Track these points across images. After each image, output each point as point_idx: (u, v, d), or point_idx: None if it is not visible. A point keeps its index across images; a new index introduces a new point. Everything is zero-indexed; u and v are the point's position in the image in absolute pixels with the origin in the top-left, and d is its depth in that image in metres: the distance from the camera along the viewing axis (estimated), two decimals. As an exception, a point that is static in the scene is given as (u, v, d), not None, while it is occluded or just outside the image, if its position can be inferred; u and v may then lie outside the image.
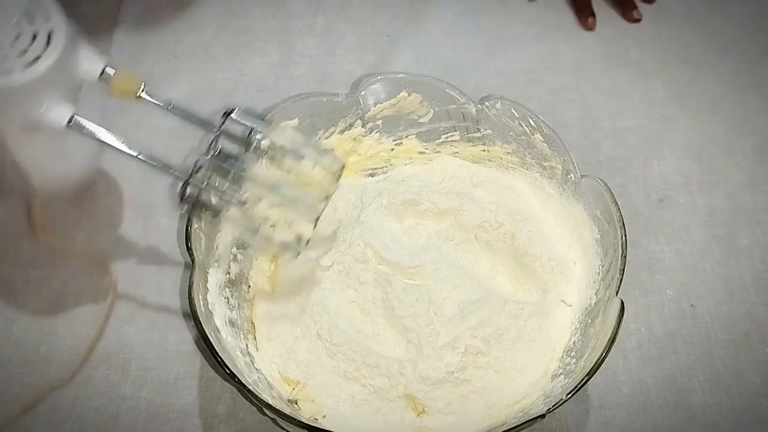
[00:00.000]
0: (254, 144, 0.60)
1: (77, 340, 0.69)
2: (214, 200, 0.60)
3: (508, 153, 0.74)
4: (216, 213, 0.61)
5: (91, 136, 0.58)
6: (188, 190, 0.59)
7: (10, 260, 0.73)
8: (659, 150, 0.80)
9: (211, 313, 0.64)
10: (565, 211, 0.71)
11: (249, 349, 0.66)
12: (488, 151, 0.75)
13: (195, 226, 0.65)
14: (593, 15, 0.88)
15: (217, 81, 0.85)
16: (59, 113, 0.57)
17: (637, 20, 0.88)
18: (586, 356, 0.61)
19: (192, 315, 0.61)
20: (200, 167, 0.60)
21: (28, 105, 0.56)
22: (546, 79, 0.85)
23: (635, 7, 0.89)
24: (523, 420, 0.57)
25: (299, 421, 0.57)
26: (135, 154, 0.58)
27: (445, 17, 0.90)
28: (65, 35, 0.56)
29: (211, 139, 0.60)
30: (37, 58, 0.55)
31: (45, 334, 0.70)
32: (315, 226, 0.61)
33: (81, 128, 0.57)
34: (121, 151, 0.58)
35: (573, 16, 0.90)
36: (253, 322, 0.69)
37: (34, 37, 0.55)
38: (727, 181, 0.78)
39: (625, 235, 0.64)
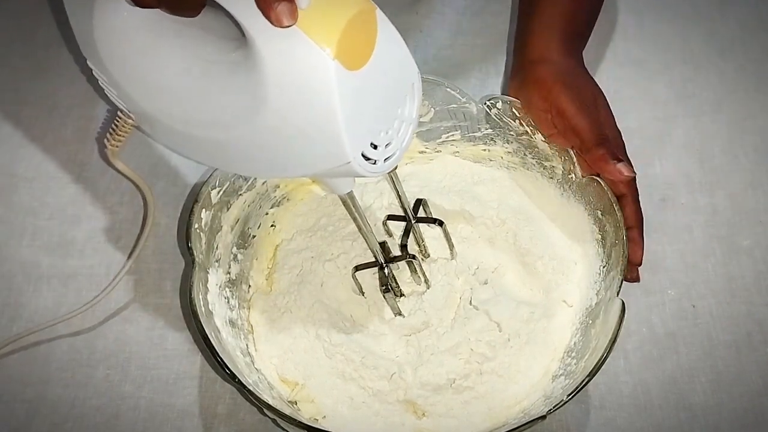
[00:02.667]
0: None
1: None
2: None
3: (509, 153, 0.74)
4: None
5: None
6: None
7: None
8: (661, 150, 0.80)
9: (212, 313, 0.64)
10: (566, 211, 0.71)
11: (249, 350, 0.66)
12: (489, 150, 0.74)
13: (195, 226, 0.65)
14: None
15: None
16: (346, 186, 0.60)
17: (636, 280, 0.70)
18: (587, 357, 0.61)
19: (192, 315, 0.61)
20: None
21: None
22: (547, 79, 0.85)
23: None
24: (523, 421, 0.57)
25: (299, 422, 0.57)
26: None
27: (447, 16, 0.90)
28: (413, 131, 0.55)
29: (409, 228, 0.69)
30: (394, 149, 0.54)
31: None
32: None
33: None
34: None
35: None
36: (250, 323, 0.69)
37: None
38: (728, 181, 0.78)
39: (626, 236, 0.64)
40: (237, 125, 0.53)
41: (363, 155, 0.52)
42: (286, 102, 0.49)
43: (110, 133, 0.64)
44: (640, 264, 0.67)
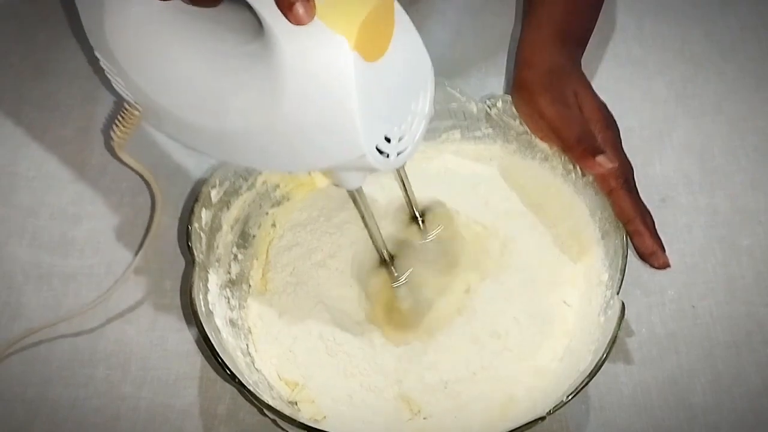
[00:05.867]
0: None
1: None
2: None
3: (510, 152, 0.74)
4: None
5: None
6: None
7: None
8: (661, 150, 0.80)
9: (212, 313, 0.64)
10: (566, 211, 0.71)
11: (249, 350, 0.66)
12: (489, 150, 0.74)
13: (195, 225, 0.65)
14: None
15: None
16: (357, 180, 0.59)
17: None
18: (586, 357, 0.61)
19: (193, 315, 0.61)
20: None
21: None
22: (547, 78, 0.85)
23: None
24: (523, 422, 0.57)
25: (299, 423, 0.57)
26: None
27: (446, 15, 0.90)
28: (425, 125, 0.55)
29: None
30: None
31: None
32: None
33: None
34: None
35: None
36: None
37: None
38: (729, 182, 0.77)
39: (627, 235, 0.64)
40: (252, 117, 0.52)
41: (377, 148, 0.52)
42: (303, 93, 0.49)
43: (116, 125, 0.63)
44: (652, 252, 0.65)
